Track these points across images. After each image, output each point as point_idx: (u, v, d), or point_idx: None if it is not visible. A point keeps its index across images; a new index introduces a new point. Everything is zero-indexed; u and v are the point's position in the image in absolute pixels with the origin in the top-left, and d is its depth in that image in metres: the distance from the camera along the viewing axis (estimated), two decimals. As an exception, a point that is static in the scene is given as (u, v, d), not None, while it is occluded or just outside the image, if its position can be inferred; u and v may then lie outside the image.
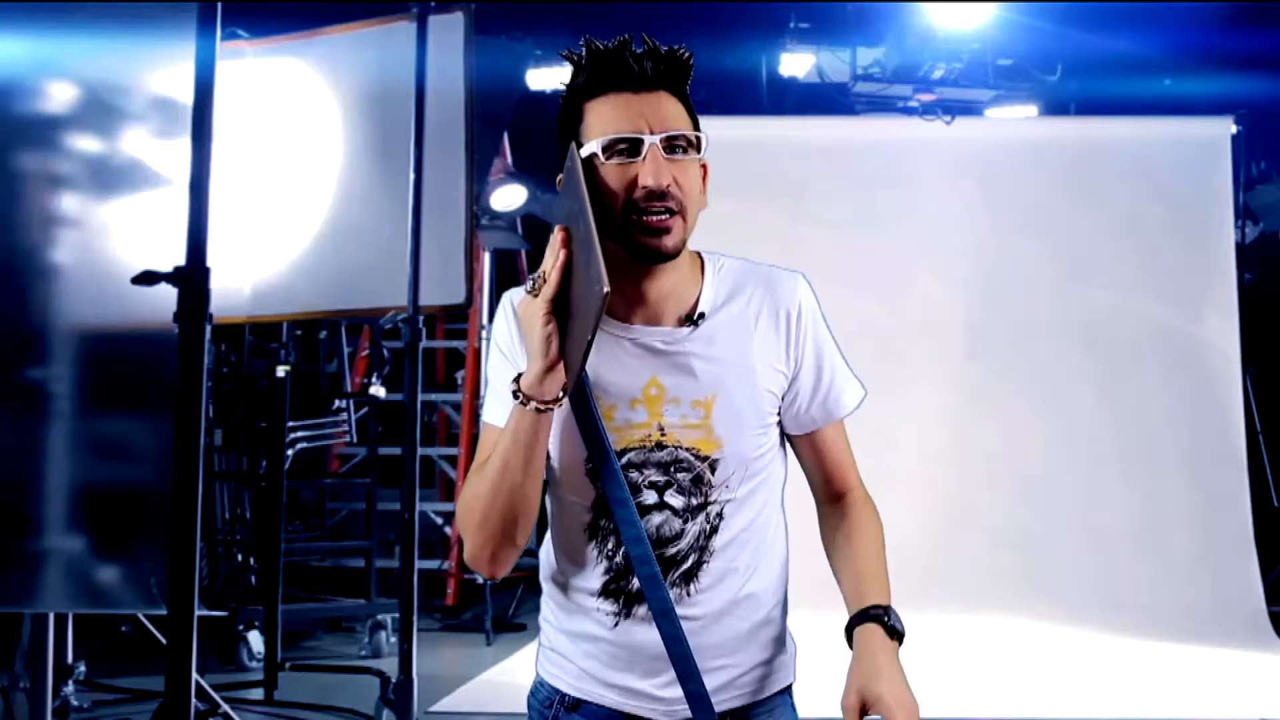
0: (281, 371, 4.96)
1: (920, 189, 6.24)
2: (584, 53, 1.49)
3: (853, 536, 1.58)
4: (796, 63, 6.44)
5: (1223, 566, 5.82)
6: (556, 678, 1.61)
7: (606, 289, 1.30)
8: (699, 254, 1.58)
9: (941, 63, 6.15)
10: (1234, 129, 6.20)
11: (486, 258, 6.75)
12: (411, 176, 3.75)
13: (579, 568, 1.56)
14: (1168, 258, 6.17)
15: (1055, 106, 6.63)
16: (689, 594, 1.53)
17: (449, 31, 3.92)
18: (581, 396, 1.49)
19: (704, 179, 1.55)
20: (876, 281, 6.10)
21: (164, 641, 3.33)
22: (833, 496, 1.63)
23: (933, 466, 5.84)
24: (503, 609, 6.13)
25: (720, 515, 1.53)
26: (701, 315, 1.53)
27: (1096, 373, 6.08)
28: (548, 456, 1.53)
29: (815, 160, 6.25)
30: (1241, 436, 6.02)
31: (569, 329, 1.39)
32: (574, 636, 1.58)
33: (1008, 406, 6.07)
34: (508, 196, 6.36)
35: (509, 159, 6.67)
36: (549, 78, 6.38)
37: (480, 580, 6.01)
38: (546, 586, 1.62)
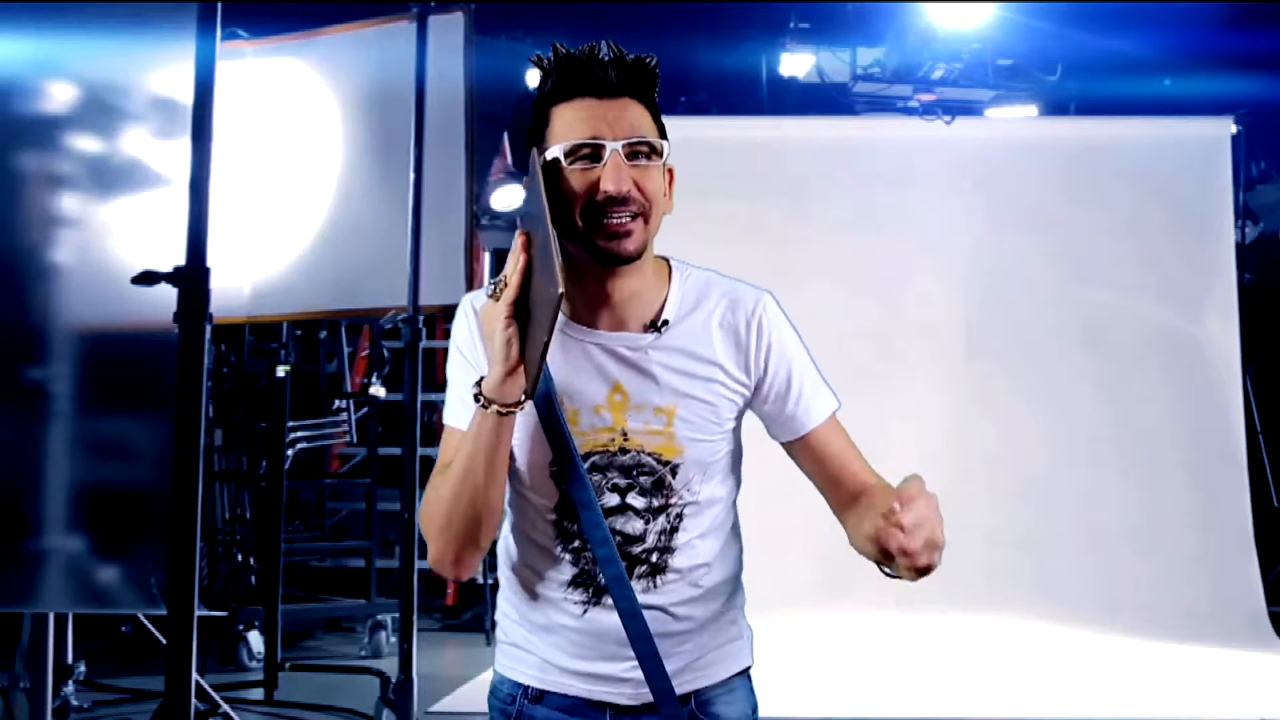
0: (281, 371, 4.97)
1: (920, 189, 6.23)
2: (551, 58, 1.51)
3: (866, 504, 1.53)
4: (796, 63, 6.44)
5: (1223, 566, 5.82)
6: (517, 671, 1.63)
7: (560, 290, 1.32)
8: (668, 261, 1.60)
9: (941, 63, 6.15)
10: (1234, 129, 6.19)
11: (486, 258, 6.75)
12: (411, 176, 3.75)
13: (546, 564, 1.58)
14: (1168, 258, 6.17)
15: (1055, 106, 6.62)
16: (655, 585, 1.56)
17: (449, 31, 3.92)
18: (547, 401, 1.51)
19: (670, 183, 1.56)
20: (876, 281, 6.10)
21: (164, 641, 3.33)
22: (846, 500, 1.59)
23: (932, 466, 5.76)
24: (503, 609, 6.13)
25: (680, 516, 1.57)
26: (665, 322, 1.55)
27: (1096, 373, 6.07)
28: (511, 458, 1.55)
29: (815, 160, 6.25)
30: (1241, 436, 6.02)
31: (529, 332, 1.40)
32: (537, 628, 1.60)
33: (1008, 406, 6.07)
34: (508, 196, 6.36)
35: (509, 159, 6.67)
36: (549, 78, 6.37)
37: (480, 580, 6.02)
38: (507, 579, 1.64)
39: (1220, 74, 6.03)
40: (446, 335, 7.42)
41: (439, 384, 7.37)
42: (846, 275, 6.03)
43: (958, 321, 6.16)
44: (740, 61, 6.48)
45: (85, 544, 3.00)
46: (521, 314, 1.41)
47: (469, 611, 6.28)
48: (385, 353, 5.79)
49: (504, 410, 1.44)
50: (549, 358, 1.49)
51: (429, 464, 6.08)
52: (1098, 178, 6.21)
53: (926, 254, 6.18)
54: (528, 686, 1.62)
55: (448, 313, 6.51)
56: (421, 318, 3.79)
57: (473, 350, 1.55)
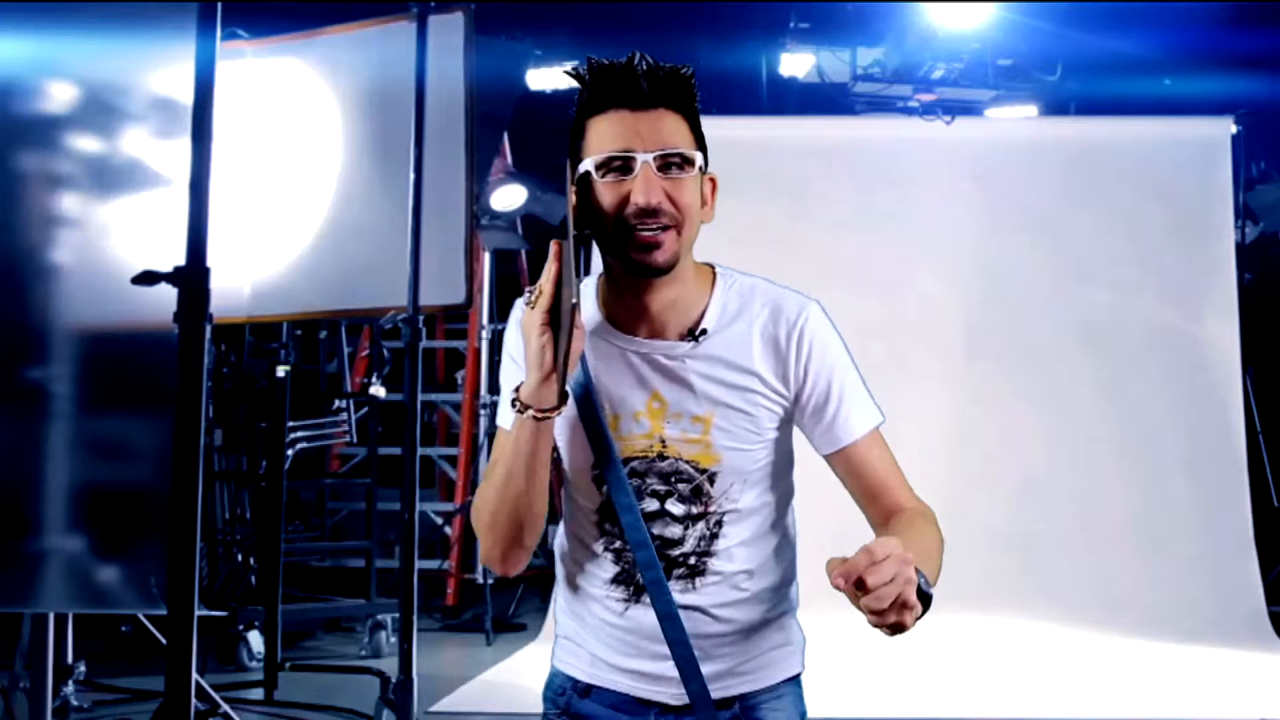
0: (281, 371, 4.96)
1: (920, 189, 6.23)
2: (586, 70, 1.52)
3: (896, 526, 1.52)
4: (796, 63, 6.44)
5: (1223, 566, 5.82)
6: (570, 665, 1.66)
7: (575, 301, 1.37)
8: (713, 269, 1.61)
9: (941, 63, 6.14)
10: (1234, 129, 6.19)
11: (486, 258, 6.75)
12: (411, 176, 3.74)
13: (590, 561, 1.62)
14: (1168, 258, 6.17)
15: (1055, 106, 6.62)
16: (694, 587, 1.57)
17: (449, 31, 3.91)
18: (589, 406, 1.54)
19: (713, 192, 1.57)
20: (876, 281, 6.10)
21: (164, 641, 3.33)
22: (882, 518, 1.57)
23: (933, 466, 5.83)
24: (503, 609, 6.13)
25: (720, 523, 1.57)
26: (704, 331, 1.55)
27: (1096, 373, 6.07)
28: (559, 459, 1.59)
29: (815, 160, 6.25)
30: (1241, 436, 6.01)
31: (559, 340, 1.43)
32: (586, 624, 1.64)
33: (1008, 406, 6.07)
34: (508, 196, 6.35)
35: (509, 159, 6.67)
36: (549, 78, 6.37)
37: (480, 580, 6.02)
38: (560, 574, 1.67)
39: (1220, 74, 6.03)
40: (446, 335, 7.47)
41: (439, 384, 7.38)
42: (846, 275, 6.02)
43: (958, 321, 6.16)
44: (740, 61, 6.48)
45: (85, 544, 3.00)
46: (556, 321, 1.44)
47: (469, 611, 6.28)
48: (385, 353, 5.78)
49: (540, 415, 1.46)
50: (593, 364, 1.56)
51: (429, 464, 6.10)
52: (1098, 178, 6.21)
53: (926, 254, 6.18)
54: (577, 680, 1.65)
55: (448, 313, 6.53)
56: (421, 318, 3.78)
57: (523, 357, 1.55)
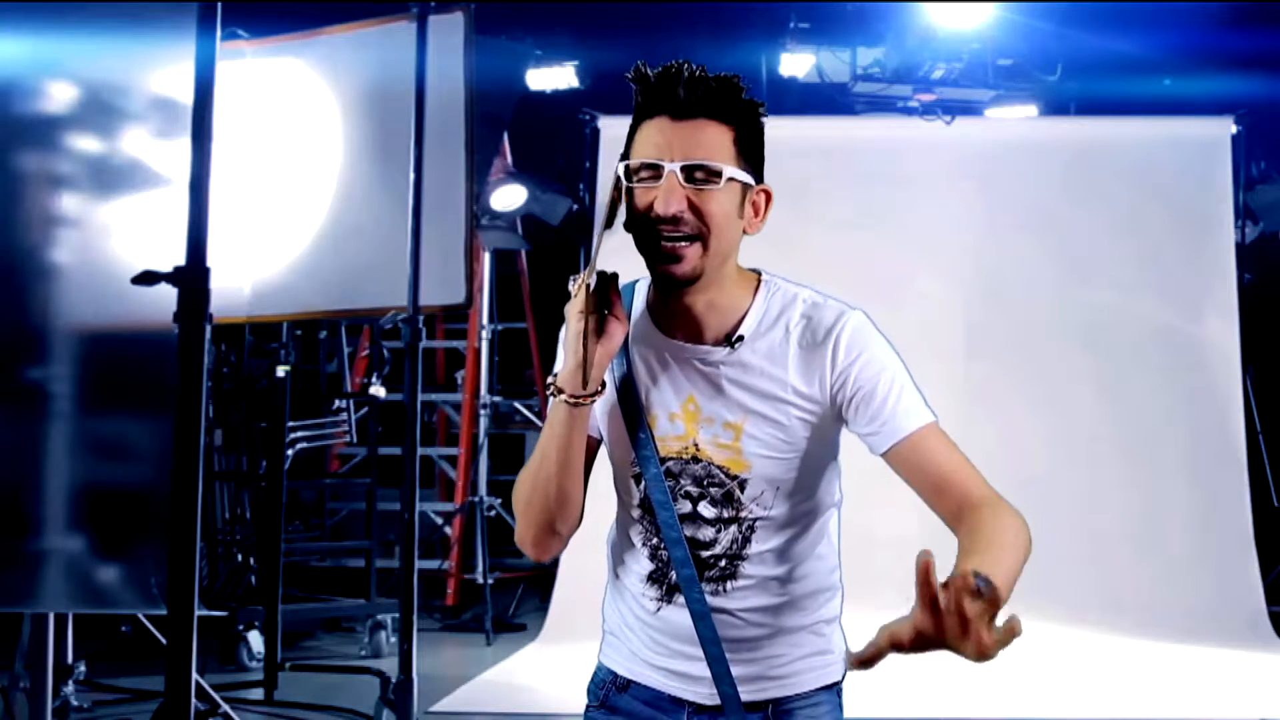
0: (281, 371, 4.97)
1: (920, 189, 6.23)
2: (638, 76, 1.54)
3: (971, 526, 1.41)
4: (796, 63, 6.44)
5: (1223, 566, 5.82)
6: (612, 659, 1.70)
7: (592, 288, 1.44)
8: (758, 275, 1.61)
9: (941, 63, 6.14)
10: (1234, 129, 6.19)
11: (486, 258, 6.75)
12: (411, 176, 3.75)
13: (630, 557, 1.65)
14: (1168, 258, 6.17)
15: (1055, 106, 6.62)
16: (724, 590, 1.59)
17: (449, 32, 3.92)
18: (629, 397, 1.57)
19: (767, 204, 1.56)
20: (876, 281, 6.09)
21: (164, 641, 3.33)
22: (954, 511, 1.46)
23: (933, 466, 5.82)
24: (503, 609, 6.13)
25: (752, 529, 1.58)
26: (740, 338, 1.55)
27: (1096, 373, 6.07)
28: (611, 454, 1.63)
29: (815, 160, 6.24)
30: (1241, 436, 6.02)
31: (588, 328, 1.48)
32: (625, 619, 1.67)
33: (1008, 406, 6.07)
34: (508, 196, 6.36)
35: (509, 159, 6.67)
36: (549, 78, 6.38)
37: (480, 580, 6.02)
38: (608, 569, 1.71)
39: (1220, 74, 6.03)
40: (446, 335, 7.47)
41: (439, 384, 7.38)
42: (846, 275, 6.00)
43: (958, 321, 6.16)
44: (740, 61, 6.47)
45: (85, 544, 3.00)
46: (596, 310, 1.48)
47: (469, 611, 6.28)
48: (385, 353, 5.78)
49: (572, 401, 1.50)
50: (637, 360, 1.59)
51: (429, 464, 6.10)
52: (1098, 178, 6.21)
53: (926, 254, 6.18)
54: (617, 675, 1.68)
55: (448, 313, 6.53)
56: (421, 318, 3.78)
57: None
